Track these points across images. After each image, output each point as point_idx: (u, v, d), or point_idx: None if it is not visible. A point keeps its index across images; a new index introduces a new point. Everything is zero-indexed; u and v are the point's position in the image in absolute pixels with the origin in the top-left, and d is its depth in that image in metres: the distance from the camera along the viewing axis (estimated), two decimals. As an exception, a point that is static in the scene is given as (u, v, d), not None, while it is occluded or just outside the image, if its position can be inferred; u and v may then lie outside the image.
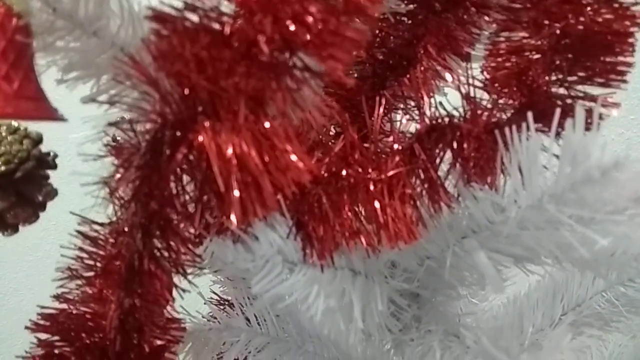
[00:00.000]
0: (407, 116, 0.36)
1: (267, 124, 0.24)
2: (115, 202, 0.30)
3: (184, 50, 0.23)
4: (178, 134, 0.26)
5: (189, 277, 0.53)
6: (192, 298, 0.51)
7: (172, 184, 0.27)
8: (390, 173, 0.31)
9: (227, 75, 0.23)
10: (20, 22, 0.23)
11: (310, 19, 0.22)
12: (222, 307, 0.52)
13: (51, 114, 0.25)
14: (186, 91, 0.24)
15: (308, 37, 0.23)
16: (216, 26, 0.23)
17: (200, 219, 0.28)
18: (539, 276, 0.59)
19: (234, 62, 0.23)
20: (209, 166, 0.25)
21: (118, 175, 0.28)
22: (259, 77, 0.23)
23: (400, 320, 0.43)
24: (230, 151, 0.24)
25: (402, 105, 0.39)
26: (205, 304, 0.54)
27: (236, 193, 0.24)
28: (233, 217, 0.24)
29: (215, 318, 0.51)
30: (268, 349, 0.50)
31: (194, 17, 0.23)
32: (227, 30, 0.22)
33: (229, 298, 0.54)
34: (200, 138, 0.25)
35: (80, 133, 0.43)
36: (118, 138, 0.31)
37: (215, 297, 0.55)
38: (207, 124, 0.24)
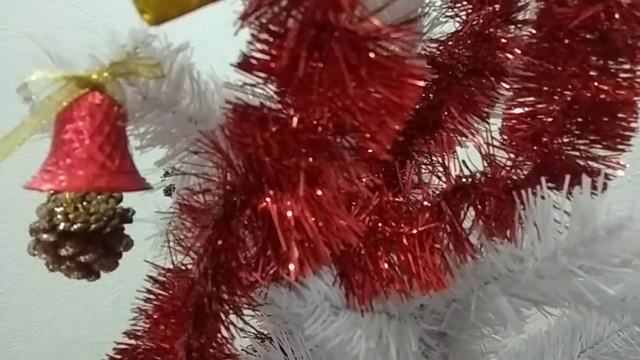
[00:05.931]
0: (433, 174, 0.41)
1: (320, 194, 0.29)
2: (184, 253, 0.35)
3: (254, 136, 0.28)
4: (245, 199, 0.31)
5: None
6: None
7: (238, 241, 0.32)
8: (421, 228, 0.36)
9: (290, 156, 0.28)
10: (119, 110, 0.29)
11: (357, 111, 0.27)
12: (261, 340, 0.56)
13: (142, 184, 0.30)
14: (254, 167, 0.29)
15: (356, 123, 0.28)
16: (281, 115, 0.28)
17: (262, 270, 0.32)
18: (557, 315, 0.63)
19: (296, 145, 0.28)
20: (271, 227, 0.30)
21: (192, 233, 0.33)
22: (315, 156, 0.28)
23: (429, 359, 0.47)
24: (290, 215, 0.29)
25: (428, 162, 0.44)
26: (243, 337, 0.58)
27: (295, 251, 0.29)
28: (291, 268, 0.29)
29: (255, 351, 0.55)
30: (303, 382, 0.54)
31: (264, 109, 0.28)
32: (293, 122, 0.27)
33: (266, 332, 0.58)
34: (264, 204, 0.30)
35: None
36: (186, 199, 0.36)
37: (253, 330, 0.60)
38: (271, 192, 0.29)
